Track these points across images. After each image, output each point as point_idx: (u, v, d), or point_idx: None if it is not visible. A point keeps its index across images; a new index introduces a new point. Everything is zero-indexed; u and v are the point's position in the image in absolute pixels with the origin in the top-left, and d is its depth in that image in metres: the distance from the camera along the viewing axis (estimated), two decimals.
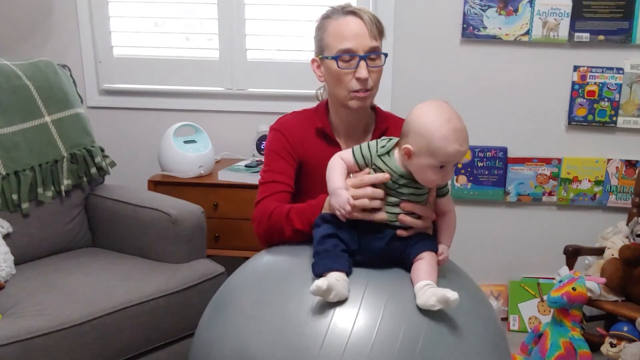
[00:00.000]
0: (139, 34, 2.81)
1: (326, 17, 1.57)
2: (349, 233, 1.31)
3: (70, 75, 2.31)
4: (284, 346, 1.18)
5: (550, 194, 2.73)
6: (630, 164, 2.66)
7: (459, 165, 2.70)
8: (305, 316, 1.20)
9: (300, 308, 1.22)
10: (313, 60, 1.62)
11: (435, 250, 1.32)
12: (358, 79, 1.52)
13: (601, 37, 2.55)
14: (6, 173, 2.04)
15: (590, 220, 2.71)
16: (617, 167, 2.67)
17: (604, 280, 2.18)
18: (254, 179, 2.37)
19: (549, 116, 2.67)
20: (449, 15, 2.60)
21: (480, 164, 2.73)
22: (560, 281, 2.18)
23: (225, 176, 2.52)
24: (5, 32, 2.79)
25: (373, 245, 1.31)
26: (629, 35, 2.54)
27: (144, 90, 2.82)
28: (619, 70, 2.58)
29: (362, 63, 1.51)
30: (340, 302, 1.21)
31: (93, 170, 2.22)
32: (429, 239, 1.34)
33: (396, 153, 1.32)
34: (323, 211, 1.39)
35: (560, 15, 2.54)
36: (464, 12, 2.58)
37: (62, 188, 2.15)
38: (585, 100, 2.62)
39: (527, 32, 2.57)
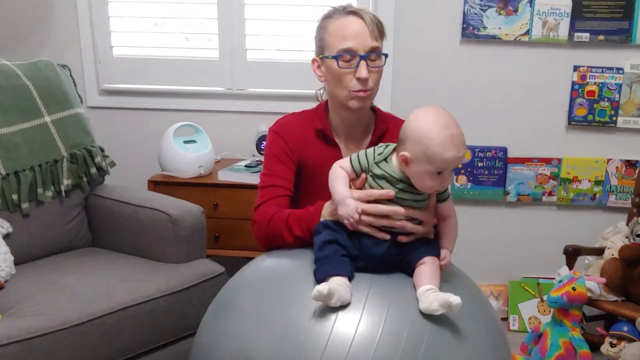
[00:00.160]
0: (138, 34, 2.80)
1: (327, 17, 1.58)
2: (349, 239, 1.32)
3: (70, 75, 2.31)
4: (286, 350, 1.18)
5: (550, 194, 2.73)
6: (630, 164, 2.66)
7: (459, 166, 2.70)
8: (308, 320, 1.20)
9: (302, 312, 1.21)
10: (313, 60, 1.62)
11: (438, 255, 1.32)
12: (358, 79, 1.52)
13: (601, 37, 2.55)
14: (6, 173, 2.04)
15: (590, 220, 2.71)
16: (617, 167, 2.67)
17: (603, 280, 2.18)
18: (254, 179, 2.37)
19: (549, 116, 2.67)
20: (448, 15, 2.60)
21: (480, 164, 2.72)
22: (560, 281, 2.19)
23: (225, 176, 2.51)
24: (5, 32, 2.79)
25: (374, 251, 1.32)
26: (629, 35, 2.54)
27: (144, 90, 2.82)
28: (619, 70, 2.58)
29: (363, 63, 1.51)
30: (343, 307, 1.21)
31: (93, 170, 2.22)
32: (431, 244, 1.34)
33: (394, 159, 1.32)
34: (322, 218, 1.39)
35: (560, 15, 2.54)
36: (463, 12, 2.58)
37: (62, 188, 2.15)
38: (585, 100, 2.62)
39: (527, 32, 2.57)
